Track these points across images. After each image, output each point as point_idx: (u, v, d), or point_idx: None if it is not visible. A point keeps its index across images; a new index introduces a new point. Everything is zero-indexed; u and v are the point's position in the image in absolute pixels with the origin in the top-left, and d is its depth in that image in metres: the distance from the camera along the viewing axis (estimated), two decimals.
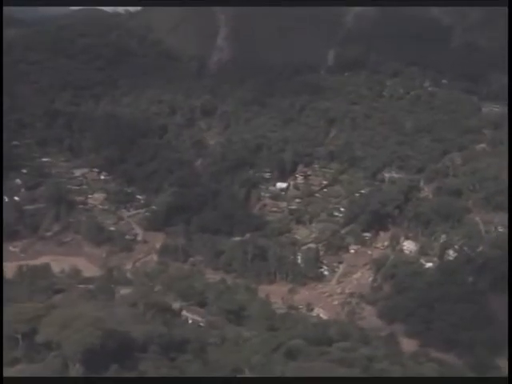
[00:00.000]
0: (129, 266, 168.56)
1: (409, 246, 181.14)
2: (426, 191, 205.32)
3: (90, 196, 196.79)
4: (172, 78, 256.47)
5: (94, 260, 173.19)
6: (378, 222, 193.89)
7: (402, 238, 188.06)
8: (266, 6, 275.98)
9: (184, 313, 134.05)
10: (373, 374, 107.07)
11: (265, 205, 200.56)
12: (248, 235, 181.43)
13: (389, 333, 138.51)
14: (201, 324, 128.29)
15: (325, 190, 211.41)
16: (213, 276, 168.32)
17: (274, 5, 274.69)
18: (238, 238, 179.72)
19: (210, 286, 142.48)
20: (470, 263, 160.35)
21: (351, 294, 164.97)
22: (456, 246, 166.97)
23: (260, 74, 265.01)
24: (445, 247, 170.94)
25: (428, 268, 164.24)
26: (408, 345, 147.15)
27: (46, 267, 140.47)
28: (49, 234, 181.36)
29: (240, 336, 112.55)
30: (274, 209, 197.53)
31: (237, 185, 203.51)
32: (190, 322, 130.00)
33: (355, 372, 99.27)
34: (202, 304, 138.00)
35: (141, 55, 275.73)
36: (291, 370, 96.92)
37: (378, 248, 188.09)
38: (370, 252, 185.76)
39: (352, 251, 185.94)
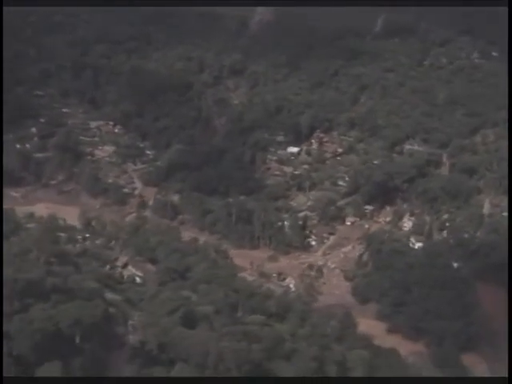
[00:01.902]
0: (117, 219, 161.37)
1: (409, 223, 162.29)
2: (445, 168, 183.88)
3: (99, 148, 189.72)
4: (208, 36, 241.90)
5: (88, 210, 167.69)
6: (384, 195, 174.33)
7: (407, 215, 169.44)
8: None
9: (129, 267, 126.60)
10: (278, 352, 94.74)
11: (269, 168, 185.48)
12: (242, 197, 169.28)
13: (345, 312, 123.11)
14: (137, 280, 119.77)
15: (338, 158, 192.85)
16: (195, 235, 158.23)
17: None
18: (229, 200, 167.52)
19: (167, 243, 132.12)
20: (460, 247, 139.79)
21: (331, 268, 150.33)
22: (450, 228, 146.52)
23: (300, 37, 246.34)
24: (439, 228, 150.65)
25: (415, 248, 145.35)
26: (373, 328, 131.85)
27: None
28: (52, 182, 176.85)
29: (155, 295, 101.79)
30: (277, 173, 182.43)
31: (246, 146, 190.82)
32: (137, 278, 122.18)
33: (242, 345, 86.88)
34: (155, 261, 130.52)
35: (181, 14, 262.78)
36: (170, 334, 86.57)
37: (378, 222, 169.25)
38: (367, 226, 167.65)
39: (348, 223, 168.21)
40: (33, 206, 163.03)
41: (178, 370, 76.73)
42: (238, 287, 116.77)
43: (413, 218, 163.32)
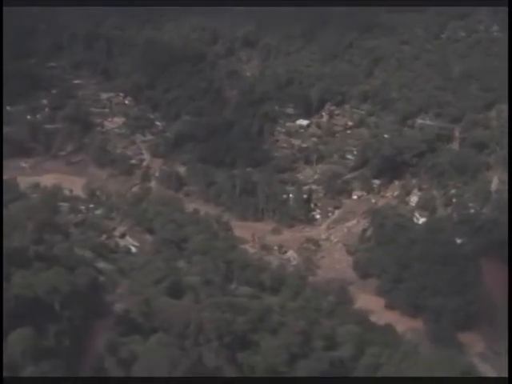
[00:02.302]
0: (122, 189, 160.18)
1: (415, 198, 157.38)
2: (456, 143, 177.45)
3: (109, 119, 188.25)
4: (222, 5, 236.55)
5: (93, 181, 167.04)
6: (393, 169, 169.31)
7: (415, 190, 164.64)
8: None
9: (127, 237, 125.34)
10: (264, 325, 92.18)
11: (277, 140, 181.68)
12: (248, 169, 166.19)
13: (341, 287, 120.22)
14: (133, 250, 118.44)
15: (348, 131, 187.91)
16: (199, 207, 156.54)
17: None
18: (234, 172, 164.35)
19: (166, 214, 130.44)
20: (465, 223, 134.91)
21: (334, 242, 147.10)
22: (456, 204, 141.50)
23: (315, 10, 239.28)
24: (445, 203, 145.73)
25: (419, 223, 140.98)
26: (371, 303, 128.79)
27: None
28: (61, 153, 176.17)
29: (146, 265, 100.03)
30: (285, 145, 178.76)
31: (256, 118, 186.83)
32: (132, 248, 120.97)
33: (225, 316, 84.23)
34: (153, 232, 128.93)
35: None
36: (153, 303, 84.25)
37: (385, 197, 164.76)
38: (374, 200, 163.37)
39: (355, 197, 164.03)
40: (40, 177, 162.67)
41: (155, 340, 75.32)
42: (233, 259, 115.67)
43: (420, 193, 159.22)
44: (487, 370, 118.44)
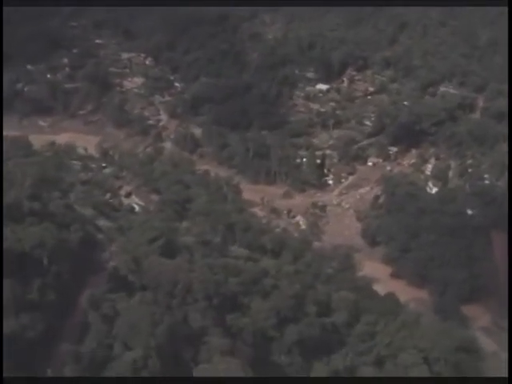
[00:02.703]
0: (136, 149, 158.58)
1: (431, 167, 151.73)
2: (478, 112, 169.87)
3: (129, 79, 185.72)
4: None
5: (110, 140, 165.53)
6: (410, 137, 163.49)
7: (432, 159, 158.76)
8: None
9: (133, 197, 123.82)
10: (257, 288, 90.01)
11: (295, 104, 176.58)
12: (264, 133, 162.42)
13: (345, 253, 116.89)
14: (136, 209, 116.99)
15: (368, 97, 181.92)
16: (211, 169, 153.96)
17: None
18: (248, 134, 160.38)
19: (175, 174, 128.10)
20: (478, 195, 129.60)
21: (345, 208, 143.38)
22: (471, 174, 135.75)
23: None
24: (460, 173, 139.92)
25: (431, 192, 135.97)
26: (377, 271, 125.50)
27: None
28: (80, 112, 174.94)
29: (144, 224, 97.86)
30: (302, 109, 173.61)
31: (275, 81, 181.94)
32: (136, 207, 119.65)
33: (215, 277, 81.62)
34: (160, 192, 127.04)
35: None
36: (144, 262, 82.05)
37: (401, 165, 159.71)
38: (389, 168, 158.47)
39: (370, 164, 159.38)
40: (58, 136, 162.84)
41: (139, 298, 73.91)
42: (236, 221, 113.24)
43: (436, 163, 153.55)
44: (489, 344, 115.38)
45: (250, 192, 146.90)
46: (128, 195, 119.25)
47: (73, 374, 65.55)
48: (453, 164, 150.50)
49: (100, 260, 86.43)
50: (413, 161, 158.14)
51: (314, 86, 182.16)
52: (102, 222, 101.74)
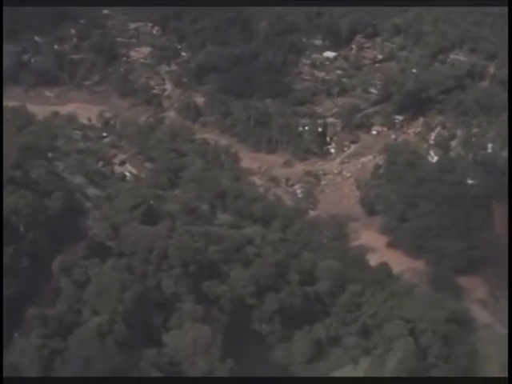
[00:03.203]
0: (138, 119, 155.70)
1: (435, 136, 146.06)
2: (488, 80, 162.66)
3: (136, 49, 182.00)
4: None
5: (114, 110, 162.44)
6: (417, 105, 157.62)
7: (439, 127, 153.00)
8: None
9: (127, 165, 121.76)
10: (238, 255, 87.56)
11: (301, 72, 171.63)
12: (267, 101, 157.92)
13: (339, 222, 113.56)
14: (128, 177, 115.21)
15: (377, 65, 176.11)
16: (214, 137, 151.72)
17: None
18: (250, 102, 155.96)
19: (172, 143, 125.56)
20: (480, 165, 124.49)
21: (346, 177, 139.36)
22: (474, 143, 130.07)
23: None
24: (464, 142, 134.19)
25: (431, 162, 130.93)
26: (374, 241, 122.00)
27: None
28: (86, 83, 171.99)
29: (131, 191, 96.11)
30: (307, 77, 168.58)
31: (281, 49, 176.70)
32: (127, 174, 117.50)
33: (194, 244, 79.97)
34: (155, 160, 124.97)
35: None
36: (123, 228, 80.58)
37: (406, 133, 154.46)
38: (394, 136, 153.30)
39: (374, 133, 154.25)
40: (63, 106, 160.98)
41: (110, 264, 72.34)
42: (227, 189, 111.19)
43: (442, 131, 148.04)
44: (484, 316, 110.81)
45: (251, 160, 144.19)
46: (122, 164, 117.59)
47: (39, 337, 65.54)
48: (459, 133, 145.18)
49: (83, 227, 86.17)
50: (418, 129, 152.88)
51: (320, 53, 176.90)
52: (91, 190, 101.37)
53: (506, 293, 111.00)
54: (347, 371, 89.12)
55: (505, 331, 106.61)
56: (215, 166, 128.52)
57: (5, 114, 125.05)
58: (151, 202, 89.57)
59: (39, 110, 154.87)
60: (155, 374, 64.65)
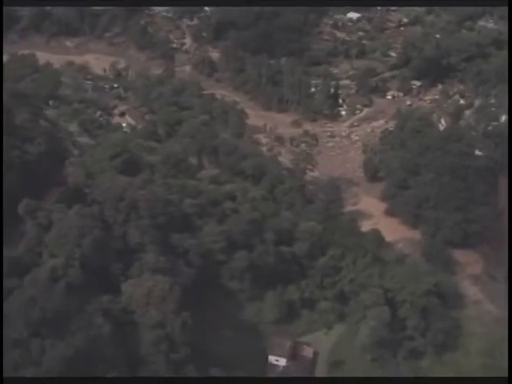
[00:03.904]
0: (154, 72, 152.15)
1: (450, 104, 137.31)
2: None
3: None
4: None
5: (131, 62, 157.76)
6: (436, 71, 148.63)
7: (457, 95, 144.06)
8: None
9: (126, 116, 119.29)
10: (213, 211, 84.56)
11: (321, 32, 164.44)
12: (282, 59, 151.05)
13: (334, 186, 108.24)
14: (123, 126, 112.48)
15: (401, 28, 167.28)
16: (227, 93, 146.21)
17: None
18: (266, 60, 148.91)
19: (168, 96, 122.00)
20: (489, 136, 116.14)
21: (353, 141, 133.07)
22: (487, 113, 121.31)
23: None
24: (478, 112, 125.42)
25: (439, 130, 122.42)
26: (372, 207, 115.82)
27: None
28: (107, 34, 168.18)
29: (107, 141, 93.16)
30: (326, 37, 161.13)
31: (303, 8, 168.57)
32: (124, 124, 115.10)
33: (167, 197, 78.78)
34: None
35: None
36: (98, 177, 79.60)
37: (423, 100, 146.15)
38: (409, 102, 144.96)
39: (389, 97, 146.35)
40: (82, 56, 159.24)
41: (75, 210, 69.97)
42: (221, 144, 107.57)
43: (460, 100, 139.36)
44: (474, 293, 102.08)
45: (259, 118, 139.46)
46: (122, 115, 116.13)
47: None
48: (476, 102, 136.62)
49: (64, 174, 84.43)
50: (436, 97, 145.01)
51: (344, 14, 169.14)
52: (84, 139, 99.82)
53: (501, 273, 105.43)
54: (319, 336, 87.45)
55: (495, 310, 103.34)
56: (219, 122, 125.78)
57: (12, 61, 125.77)
58: (133, 152, 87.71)
59: (56, 59, 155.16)
60: (105, 319, 63.96)
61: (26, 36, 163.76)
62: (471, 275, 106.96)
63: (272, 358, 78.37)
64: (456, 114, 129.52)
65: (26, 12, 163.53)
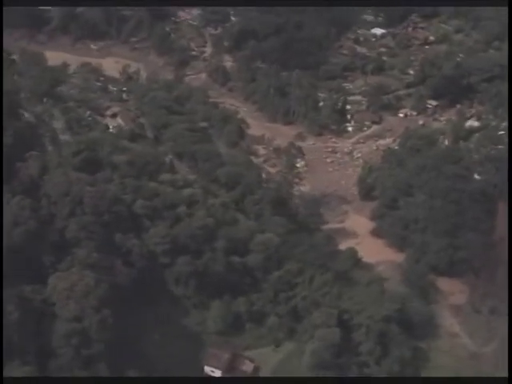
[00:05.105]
0: (163, 77, 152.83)
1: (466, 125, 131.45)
2: None
3: (186, 10, 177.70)
4: None
5: (148, 67, 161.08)
6: (455, 91, 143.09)
7: (474, 117, 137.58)
8: None
9: (118, 118, 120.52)
10: (169, 214, 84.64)
11: (341, 46, 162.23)
12: (296, 71, 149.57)
13: (314, 200, 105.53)
14: (110, 129, 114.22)
15: (426, 46, 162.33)
16: (236, 103, 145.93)
17: None
18: (283, 72, 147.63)
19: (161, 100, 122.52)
20: (491, 160, 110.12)
21: (355, 158, 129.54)
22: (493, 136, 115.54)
23: None
24: (487, 135, 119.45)
25: (438, 150, 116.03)
26: (359, 226, 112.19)
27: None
28: (132, 39, 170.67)
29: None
30: (345, 52, 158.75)
31: (327, 21, 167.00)
32: (112, 125, 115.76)
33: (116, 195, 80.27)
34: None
35: None
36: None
37: (437, 120, 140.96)
38: (422, 122, 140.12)
39: (401, 115, 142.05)
40: (102, 59, 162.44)
41: (16, 200, 71.81)
42: (199, 150, 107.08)
43: (475, 121, 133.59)
44: (451, 325, 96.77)
45: (263, 129, 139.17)
46: (114, 116, 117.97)
47: None
48: (492, 124, 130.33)
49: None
50: (452, 117, 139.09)
51: (369, 29, 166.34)
52: (65, 137, 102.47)
53: (486, 306, 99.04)
54: (266, 352, 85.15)
55: (472, 346, 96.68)
56: (216, 130, 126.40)
57: (21, 59, 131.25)
58: (98, 151, 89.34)
59: (76, 61, 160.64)
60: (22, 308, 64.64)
61: (54, 37, 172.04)
62: (452, 305, 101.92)
63: (208, 369, 77.77)
64: (463, 136, 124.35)
65: (55, 13, 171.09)
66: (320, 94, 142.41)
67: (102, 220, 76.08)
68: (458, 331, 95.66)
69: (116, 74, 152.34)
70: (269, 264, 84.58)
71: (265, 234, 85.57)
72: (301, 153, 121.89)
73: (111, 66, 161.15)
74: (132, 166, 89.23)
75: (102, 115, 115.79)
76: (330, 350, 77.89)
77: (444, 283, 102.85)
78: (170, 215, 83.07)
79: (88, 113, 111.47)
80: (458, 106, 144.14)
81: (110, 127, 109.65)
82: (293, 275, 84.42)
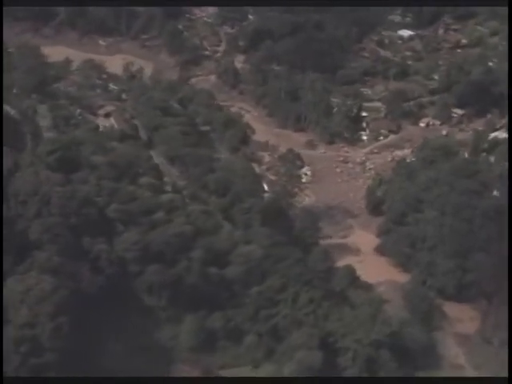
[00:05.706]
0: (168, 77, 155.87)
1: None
2: None
3: (202, 7, 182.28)
4: None
5: (160, 66, 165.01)
6: (485, 99, 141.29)
7: (503, 129, 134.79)
8: None
9: (111, 118, 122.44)
10: (145, 219, 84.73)
11: (363, 49, 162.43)
12: (315, 75, 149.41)
13: (312, 216, 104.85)
14: (100, 129, 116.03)
15: (458, 50, 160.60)
16: (246, 107, 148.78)
17: None
18: (296, 76, 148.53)
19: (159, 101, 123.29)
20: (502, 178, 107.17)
21: (367, 169, 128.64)
22: None
23: None
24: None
25: (453, 162, 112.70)
26: (363, 242, 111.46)
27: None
28: (143, 36, 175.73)
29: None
30: (367, 55, 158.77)
31: (350, 22, 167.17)
32: (103, 125, 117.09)
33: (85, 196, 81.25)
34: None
35: None
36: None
37: (464, 131, 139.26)
38: (445, 132, 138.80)
39: (422, 125, 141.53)
40: (111, 56, 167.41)
41: None
42: (189, 154, 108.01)
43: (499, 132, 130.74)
44: (454, 355, 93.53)
45: (271, 135, 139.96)
46: (107, 116, 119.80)
47: None
48: None
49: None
50: (480, 128, 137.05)
51: (395, 31, 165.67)
52: (50, 134, 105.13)
53: (499, 337, 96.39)
54: (243, 373, 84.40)
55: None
56: (218, 134, 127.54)
57: (18, 53, 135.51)
58: (74, 150, 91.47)
59: (81, 56, 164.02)
60: None
61: (61, 31, 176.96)
62: (460, 334, 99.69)
63: None
64: (485, 148, 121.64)
65: (63, 9, 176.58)
66: (334, 99, 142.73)
67: (68, 222, 78.15)
68: (463, 363, 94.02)
69: (121, 72, 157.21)
70: (250, 278, 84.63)
71: (247, 246, 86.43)
72: (301, 161, 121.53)
73: (118, 63, 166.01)
74: (113, 167, 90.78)
75: (95, 114, 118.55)
76: (310, 374, 77.75)
77: (452, 308, 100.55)
78: (147, 221, 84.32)
79: (78, 111, 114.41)
80: (489, 115, 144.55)
81: (101, 127, 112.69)
82: (275, 291, 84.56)
